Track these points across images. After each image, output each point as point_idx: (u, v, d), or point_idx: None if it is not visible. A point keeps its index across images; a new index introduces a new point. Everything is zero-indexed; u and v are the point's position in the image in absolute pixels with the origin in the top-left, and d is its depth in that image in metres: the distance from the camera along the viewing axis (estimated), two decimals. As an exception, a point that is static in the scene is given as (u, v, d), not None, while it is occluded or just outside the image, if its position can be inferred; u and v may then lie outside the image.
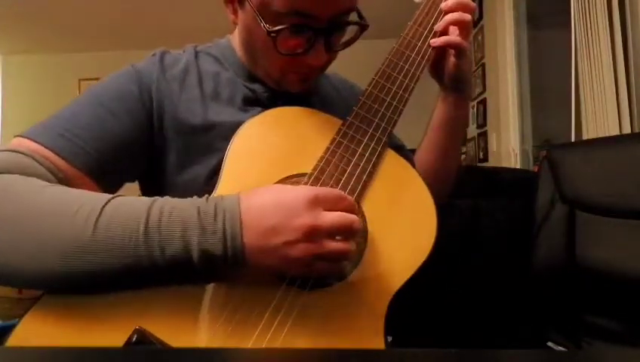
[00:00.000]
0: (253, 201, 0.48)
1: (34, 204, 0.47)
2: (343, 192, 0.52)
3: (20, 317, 0.45)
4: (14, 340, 0.44)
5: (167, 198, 0.49)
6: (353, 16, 0.62)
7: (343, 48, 0.64)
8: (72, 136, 0.55)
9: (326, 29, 0.59)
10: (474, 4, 0.70)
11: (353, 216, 0.50)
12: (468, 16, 0.68)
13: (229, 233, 0.46)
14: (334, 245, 0.48)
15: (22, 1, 3.38)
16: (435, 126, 0.77)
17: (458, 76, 0.71)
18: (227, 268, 0.47)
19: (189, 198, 0.50)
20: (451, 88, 0.73)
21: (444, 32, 0.69)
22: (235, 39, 0.70)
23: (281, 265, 0.48)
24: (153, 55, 0.67)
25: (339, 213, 0.49)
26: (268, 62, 0.64)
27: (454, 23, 0.68)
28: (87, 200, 0.48)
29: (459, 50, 0.68)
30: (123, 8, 3.52)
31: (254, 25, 0.59)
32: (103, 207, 0.47)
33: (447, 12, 0.69)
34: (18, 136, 0.56)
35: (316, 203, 0.48)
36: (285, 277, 0.51)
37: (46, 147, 0.54)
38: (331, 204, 0.49)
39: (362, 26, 0.63)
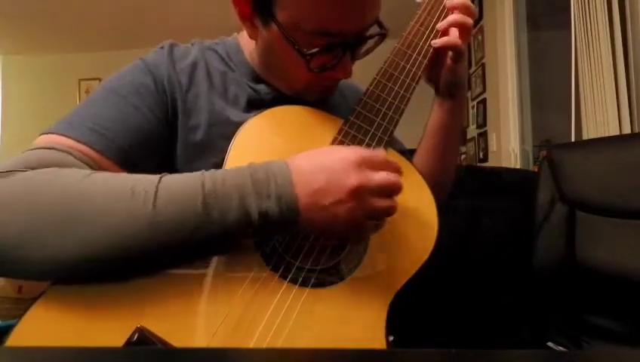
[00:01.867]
0: (301, 164, 0.51)
1: (86, 189, 0.47)
2: (387, 156, 0.55)
3: (20, 317, 0.45)
4: (16, 337, 0.44)
5: (213, 170, 0.51)
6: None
7: (364, 57, 0.65)
8: (102, 129, 0.55)
9: (353, 43, 0.60)
10: (476, 10, 0.70)
11: (396, 175, 0.53)
12: (469, 20, 0.69)
13: (283, 195, 0.48)
14: (381, 203, 0.51)
15: (22, 1, 3.38)
16: (431, 132, 0.77)
17: (453, 81, 0.71)
18: (283, 228, 0.50)
19: (234, 167, 0.52)
20: (446, 94, 0.73)
21: (445, 32, 0.69)
22: (244, 40, 0.69)
23: (331, 224, 0.50)
24: (161, 47, 0.66)
25: (384, 172, 0.52)
26: (293, 77, 0.64)
27: (456, 24, 0.68)
28: (138, 180, 0.49)
29: (457, 52, 0.68)
30: (123, 8, 3.52)
31: (282, 45, 0.58)
32: (157, 185, 0.48)
33: (450, 11, 0.69)
34: (45, 133, 0.55)
35: (362, 163, 0.51)
36: (287, 276, 0.52)
37: (80, 141, 0.54)
38: (375, 165, 0.52)
39: (383, 35, 0.63)
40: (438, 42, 0.68)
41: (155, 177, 0.49)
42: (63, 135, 0.54)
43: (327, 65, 0.59)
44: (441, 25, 0.69)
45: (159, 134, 0.61)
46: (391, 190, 0.52)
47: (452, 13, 0.69)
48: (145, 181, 0.49)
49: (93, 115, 0.57)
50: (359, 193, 0.50)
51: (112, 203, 0.46)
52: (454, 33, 0.68)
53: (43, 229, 0.45)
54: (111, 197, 0.47)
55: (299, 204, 0.49)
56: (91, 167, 0.53)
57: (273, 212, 0.48)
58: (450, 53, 0.69)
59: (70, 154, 0.53)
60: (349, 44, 0.59)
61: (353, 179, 0.50)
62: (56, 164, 0.50)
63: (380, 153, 0.54)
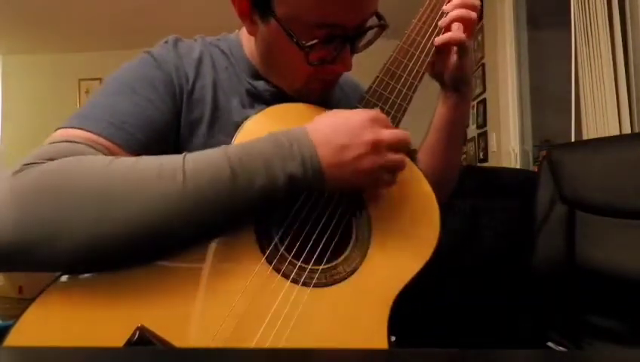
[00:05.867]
0: (319, 126, 0.54)
1: (114, 172, 0.48)
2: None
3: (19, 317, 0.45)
4: (14, 337, 0.44)
5: (233, 144, 0.54)
6: (372, 18, 0.62)
7: (363, 50, 0.64)
8: (120, 123, 0.55)
9: (353, 35, 0.60)
10: (479, 3, 0.69)
11: (405, 131, 0.57)
12: (473, 14, 0.68)
13: (307, 156, 0.51)
14: (395, 156, 0.55)
15: (22, 1, 3.38)
16: (436, 127, 0.77)
17: (459, 76, 0.71)
18: (310, 188, 0.54)
19: (255, 138, 0.53)
20: (452, 88, 0.73)
21: (448, 29, 0.68)
22: (245, 36, 0.69)
23: (353, 178, 0.54)
24: (166, 42, 0.66)
25: (394, 129, 0.57)
26: (293, 73, 0.63)
27: (459, 19, 0.67)
28: (163, 160, 0.50)
29: (461, 47, 0.68)
30: (123, 8, 3.52)
31: (280, 39, 0.58)
32: (183, 162, 0.49)
33: (451, 8, 0.69)
34: (61, 127, 0.55)
35: (375, 121, 0.55)
36: (289, 276, 0.52)
37: (101, 135, 0.54)
38: (385, 124, 0.56)
39: (382, 27, 0.63)
40: (440, 39, 0.68)
41: (178, 156, 0.51)
42: (82, 129, 0.54)
43: (326, 59, 0.59)
44: (443, 21, 0.68)
45: (172, 126, 0.61)
46: (402, 145, 0.56)
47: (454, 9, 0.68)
48: (169, 160, 0.50)
49: (110, 109, 0.57)
50: (377, 146, 0.53)
51: (141, 182, 0.47)
52: (458, 28, 0.67)
53: (75, 216, 0.45)
54: (140, 177, 0.48)
55: (322, 163, 0.51)
56: None
57: (299, 173, 0.51)
58: (454, 48, 0.69)
59: (91, 147, 0.52)
60: (348, 36, 0.59)
61: (370, 135, 0.53)
62: (78, 155, 0.50)
63: (385, 116, 0.58)
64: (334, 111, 0.56)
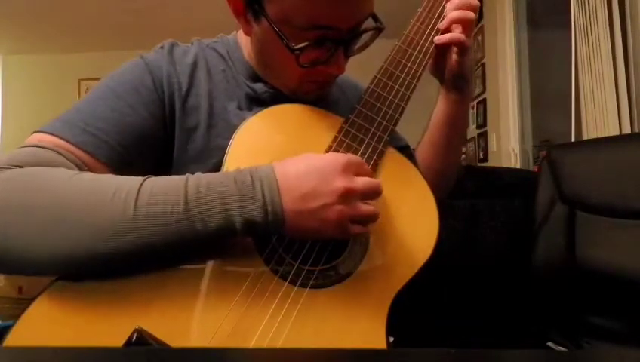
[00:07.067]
0: (287, 168, 0.50)
1: (69, 190, 0.47)
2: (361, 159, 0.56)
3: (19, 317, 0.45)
4: (14, 337, 0.44)
5: (199, 174, 0.51)
6: (368, 20, 0.62)
7: (359, 52, 0.64)
8: (95, 130, 0.55)
9: (346, 38, 0.59)
10: (477, 3, 0.70)
11: (377, 181, 0.53)
12: (471, 14, 0.68)
13: (268, 199, 0.48)
14: (366, 207, 0.51)
15: (22, 1, 3.38)
16: (436, 124, 0.77)
17: (459, 74, 0.71)
18: (269, 232, 0.50)
19: (220, 172, 0.51)
20: (452, 86, 0.74)
21: (448, 30, 0.69)
22: (242, 38, 0.69)
23: (318, 228, 0.50)
24: (161, 47, 0.66)
25: (368, 177, 0.53)
26: (286, 73, 0.63)
27: (457, 21, 0.68)
28: (122, 182, 0.48)
29: (461, 47, 0.68)
30: (123, 8, 3.52)
31: (272, 39, 0.58)
32: (139, 187, 0.47)
33: (450, 10, 0.69)
34: (38, 131, 0.55)
35: (348, 168, 0.51)
36: (287, 277, 0.52)
37: (70, 142, 0.54)
38: (359, 170, 0.53)
39: (379, 30, 0.62)
40: (441, 39, 0.68)
41: (138, 179, 0.49)
42: (54, 134, 0.54)
43: (318, 60, 0.59)
44: (442, 24, 0.69)
45: (156, 134, 0.60)
46: (375, 194, 0.53)
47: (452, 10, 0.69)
48: (128, 183, 0.48)
49: (87, 114, 0.57)
50: (346, 196, 0.50)
51: (94, 204, 0.46)
52: (457, 29, 0.68)
53: (26, 229, 0.45)
54: (93, 199, 0.47)
55: (284, 209, 0.48)
56: (80, 168, 0.53)
57: (257, 217, 0.47)
58: (454, 48, 0.69)
59: (60, 153, 0.52)
60: (341, 39, 0.58)
61: (341, 182, 0.50)
62: (45, 163, 0.51)
63: (359, 158, 0.55)
64: (308, 155, 0.52)
